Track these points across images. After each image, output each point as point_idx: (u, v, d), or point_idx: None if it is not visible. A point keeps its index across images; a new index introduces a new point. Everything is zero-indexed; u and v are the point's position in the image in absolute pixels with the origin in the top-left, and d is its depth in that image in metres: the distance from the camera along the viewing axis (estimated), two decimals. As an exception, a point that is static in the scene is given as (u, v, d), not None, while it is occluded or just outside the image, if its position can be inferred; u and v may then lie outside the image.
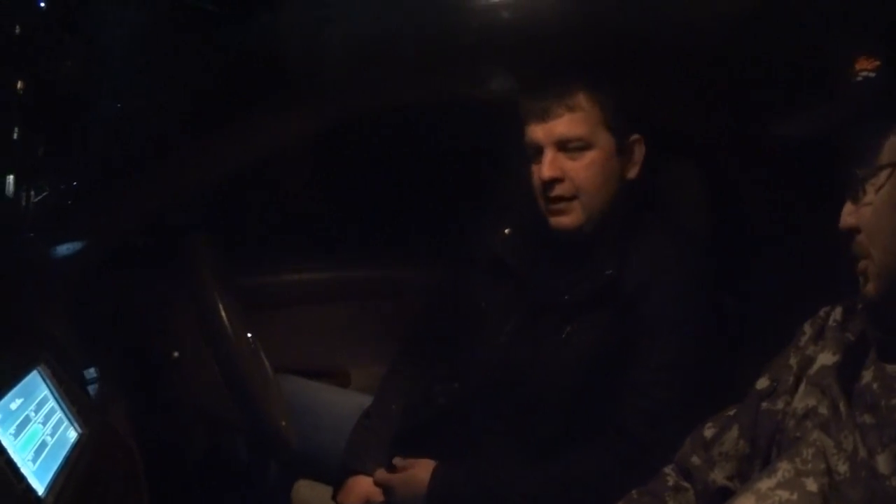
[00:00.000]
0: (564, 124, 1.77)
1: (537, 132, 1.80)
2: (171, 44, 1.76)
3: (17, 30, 1.64)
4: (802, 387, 1.26)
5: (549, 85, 1.80)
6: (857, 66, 1.20)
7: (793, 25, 1.66)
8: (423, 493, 1.85)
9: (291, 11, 1.76)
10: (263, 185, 2.81)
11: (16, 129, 1.69)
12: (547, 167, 1.78)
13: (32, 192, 1.72)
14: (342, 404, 2.23)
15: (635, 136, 1.84)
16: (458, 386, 1.99)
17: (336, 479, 2.04)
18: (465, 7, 1.74)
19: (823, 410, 1.19)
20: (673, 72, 2.00)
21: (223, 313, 1.84)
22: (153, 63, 1.82)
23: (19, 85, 1.66)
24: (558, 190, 1.79)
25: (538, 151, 1.81)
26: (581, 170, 1.78)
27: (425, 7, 1.76)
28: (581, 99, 1.78)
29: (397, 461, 1.92)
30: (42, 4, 1.71)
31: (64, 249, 1.80)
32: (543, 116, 1.78)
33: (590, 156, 1.78)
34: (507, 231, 1.99)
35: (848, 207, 1.20)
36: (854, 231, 1.19)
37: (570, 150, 1.78)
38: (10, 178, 1.68)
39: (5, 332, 1.51)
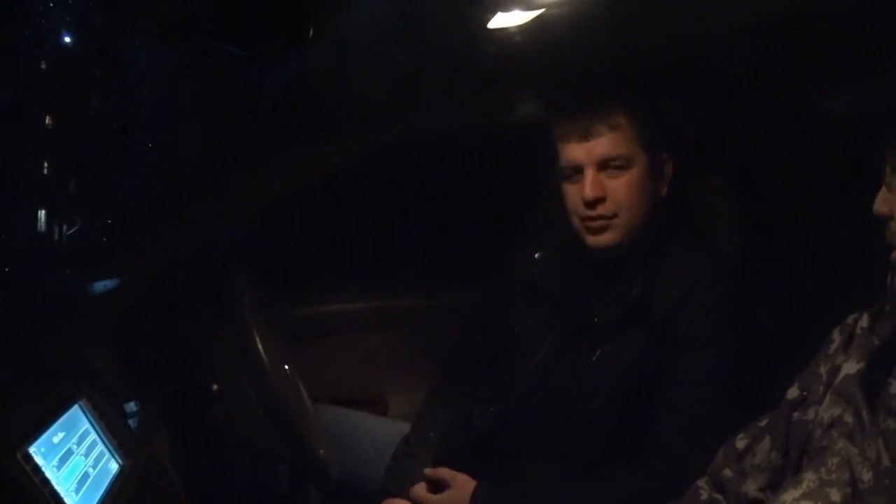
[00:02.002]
0: (606, 144, 1.77)
1: (577, 152, 1.79)
2: (205, 78, 1.79)
3: (43, 65, 1.68)
4: (828, 396, 1.25)
5: (591, 105, 1.80)
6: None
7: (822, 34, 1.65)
8: None
9: (318, 51, 1.80)
10: (301, 217, 2.85)
11: (45, 165, 1.72)
12: (590, 187, 1.77)
13: (65, 227, 1.75)
14: (381, 432, 2.24)
15: (665, 155, 1.84)
16: (494, 410, 1.99)
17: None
18: (485, 35, 1.74)
19: (848, 419, 1.18)
20: (700, 88, 2.00)
21: (260, 345, 1.86)
22: (187, 99, 1.86)
23: (48, 120, 1.70)
24: (600, 209, 1.78)
25: (576, 171, 1.80)
26: (621, 188, 1.78)
27: (447, 38, 1.77)
28: (622, 118, 1.78)
29: (439, 471, 1.92)
30: (67, 39, 1.76)
31: (102, 286, 1.84)
32: (585, 136, 1.77)
33: (629, 175, 1.78)
34: (537, 255, 1.99)
35: (882, 195, 1.19)
36: (886, 219, 1.18)
37: (610, 170, 1.78)
38: (42, 212, 1.72)
39: (47, 368, 1.56)
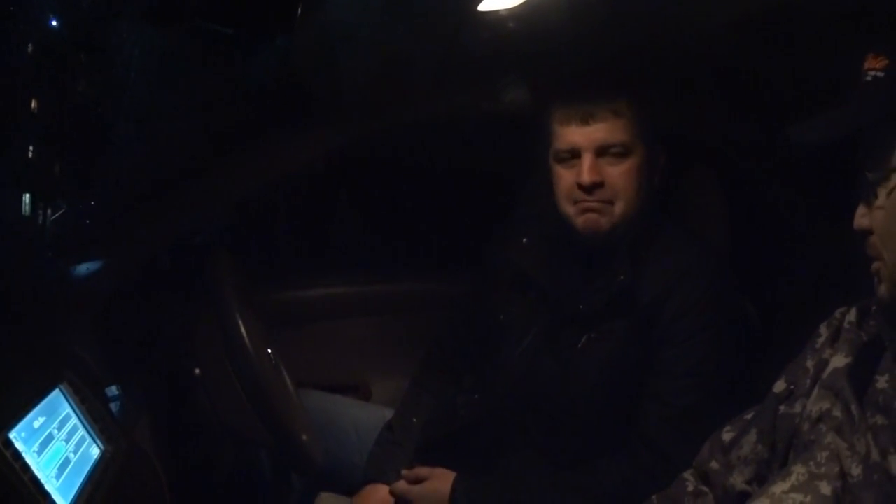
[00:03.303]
0: (607, 130, 1.76)
1: (576, 135, 1.77)
2: (192, 64, 1.78)
3: (30, 48, 1.66)
4: (816, 390, 1.25)
5: (597, 89, 1.79)
6: (866, 66, 1.18)
7: (805, 29, 1.65)
8: None
9: (308, 33, 1.78)
10: (285, 203, 2.84)
11: (31, 148, 1.70)
12: (588, 171, 1.75)
13: (49, 211, 1.74)
14: (364, 418, 2.23)
15: (659, 147, 1.84)
16: (479, 398, 1.99)
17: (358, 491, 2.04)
18: (476, 20, 1.73)
19: (837, 413, 1.18)
20: (690, 79, 2.00)
21: (243, 330, 1.85)
22: (173, 83, 1.84)
23: (33, 104, 1.68)
24: (597, 195, 1.77)
25: (573, 155, 1.79)
26: (619, 176, 1.77)
27: (438, 23, 1.75)
28: (625, 105, 1.77)
29: (416, 470, 1.92)
30: (54, 23, 1.73)
31: (84, 269, 1.82)
32: (586, 120, 1.76)
33: (628, 163, 1.77)
34: (524, 241, 1.98)
35: (861, 209, 1.19)
36: (867, 232, 1.18)
37: (608, 156, 1.77)
38: (27, 196, 1.70)
39: (27, 351, 1.54)
